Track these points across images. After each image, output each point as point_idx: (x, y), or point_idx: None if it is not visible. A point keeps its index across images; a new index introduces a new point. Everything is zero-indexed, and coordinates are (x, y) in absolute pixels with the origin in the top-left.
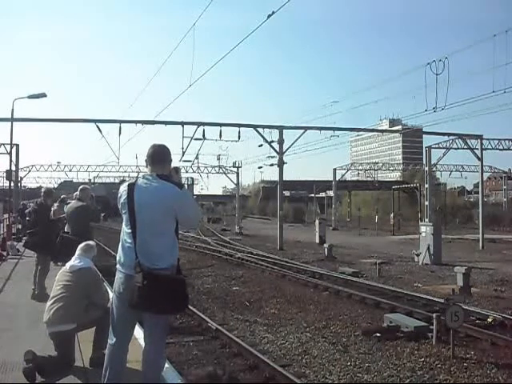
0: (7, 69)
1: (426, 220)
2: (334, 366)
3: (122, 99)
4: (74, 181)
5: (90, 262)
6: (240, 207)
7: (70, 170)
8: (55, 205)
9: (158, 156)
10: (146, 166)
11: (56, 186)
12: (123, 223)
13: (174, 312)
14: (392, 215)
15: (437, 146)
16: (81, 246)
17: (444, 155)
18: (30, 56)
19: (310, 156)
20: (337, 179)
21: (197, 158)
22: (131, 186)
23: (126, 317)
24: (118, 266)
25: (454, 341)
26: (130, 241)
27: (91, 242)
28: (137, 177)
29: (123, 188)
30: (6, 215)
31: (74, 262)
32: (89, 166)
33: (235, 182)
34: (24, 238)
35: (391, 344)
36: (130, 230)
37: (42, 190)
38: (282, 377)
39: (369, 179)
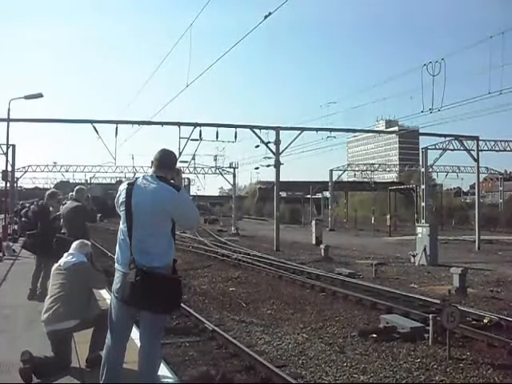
0: (4, 69)
1: (423, 221)
2: (330, 367)
3: (119, 99)
4: (71, 181)
5: (83, 257)
6: (236, 208)
7: (67, 171)
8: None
9: (165, 161)
10: (150, 167)
11: (52, 186)
12: (121, 222)
13: (167, 311)
14: (388, 216)
15: (433, 147)
16: (75, 242)
17: (440, 156)
18: (28, 56)
19: (307, 157)
20: (333, 180)
21: (193, 158)
22: (130, 186)
23: (124, 317)
24: (116, 264)
25: (450, 342)
26: (126, 239)
27: (86, 240)
28: (135, 177)
29: (123, 187)
30: (1, 216)
31: (66, 258)
32: (85, 166)
33: (232, 182)
34: (21, 238)
35: (387, 345)
36: (126, 229)
37: (47, 192)
38: (278, 378)
39: (365, 180)
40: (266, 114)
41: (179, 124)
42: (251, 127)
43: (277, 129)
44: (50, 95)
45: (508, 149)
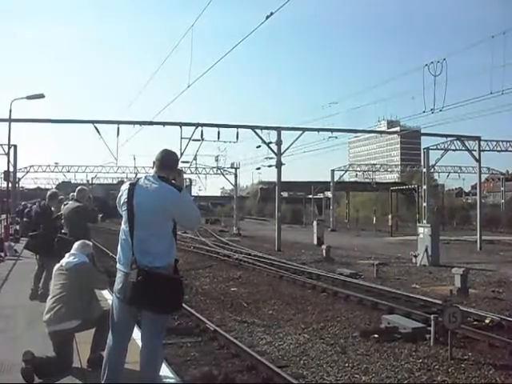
0: (6, 69)
1: (424, 221)
2: (331, 368)
3: (120, 100)
4: (72, 182)
5: (84, 257)
6: (238, 208)
7: (68, 171)
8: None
9: (167, 162)
10: (152, 168)
11: (54, 186)
12: (122, 222)
13: (168, 311)
14: (390, 216)
15: (435, 147)
16: (77, 243)
17: (442, 156)
18: (29, 56)
19: (309, 157)
20: (335, 180)
21: (195, 158)
22: (132, 186)
23: (126, 317)
24: (117, 265)
25: (452, 342)
26: (128, 239)
27: (87, 241)
28: (137, 177)
29: (125, 187)
30: (3, 216)
31: (68, 258)
32: (87, 166)
33: (233, 183)
34: (22, 238)
35: (389, 345)
36: (128, 229)
37: (48, 193)
38: (279, 378)
39: (367, 180)
40: (267, 115)
41: (181, 124)
42: (253, 127)
43: (278, 129)
44: (50, 95)
45: (510, 149)
